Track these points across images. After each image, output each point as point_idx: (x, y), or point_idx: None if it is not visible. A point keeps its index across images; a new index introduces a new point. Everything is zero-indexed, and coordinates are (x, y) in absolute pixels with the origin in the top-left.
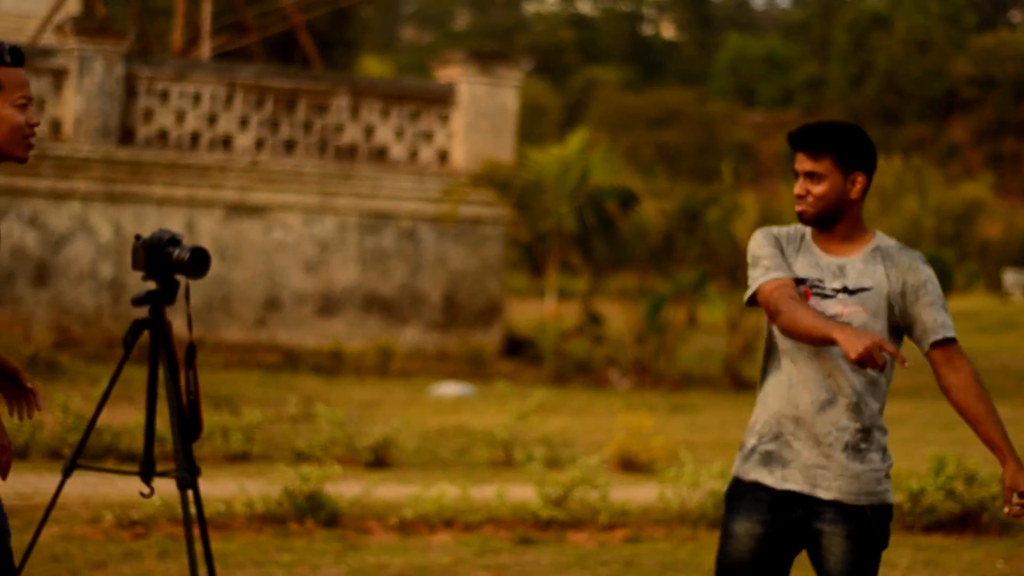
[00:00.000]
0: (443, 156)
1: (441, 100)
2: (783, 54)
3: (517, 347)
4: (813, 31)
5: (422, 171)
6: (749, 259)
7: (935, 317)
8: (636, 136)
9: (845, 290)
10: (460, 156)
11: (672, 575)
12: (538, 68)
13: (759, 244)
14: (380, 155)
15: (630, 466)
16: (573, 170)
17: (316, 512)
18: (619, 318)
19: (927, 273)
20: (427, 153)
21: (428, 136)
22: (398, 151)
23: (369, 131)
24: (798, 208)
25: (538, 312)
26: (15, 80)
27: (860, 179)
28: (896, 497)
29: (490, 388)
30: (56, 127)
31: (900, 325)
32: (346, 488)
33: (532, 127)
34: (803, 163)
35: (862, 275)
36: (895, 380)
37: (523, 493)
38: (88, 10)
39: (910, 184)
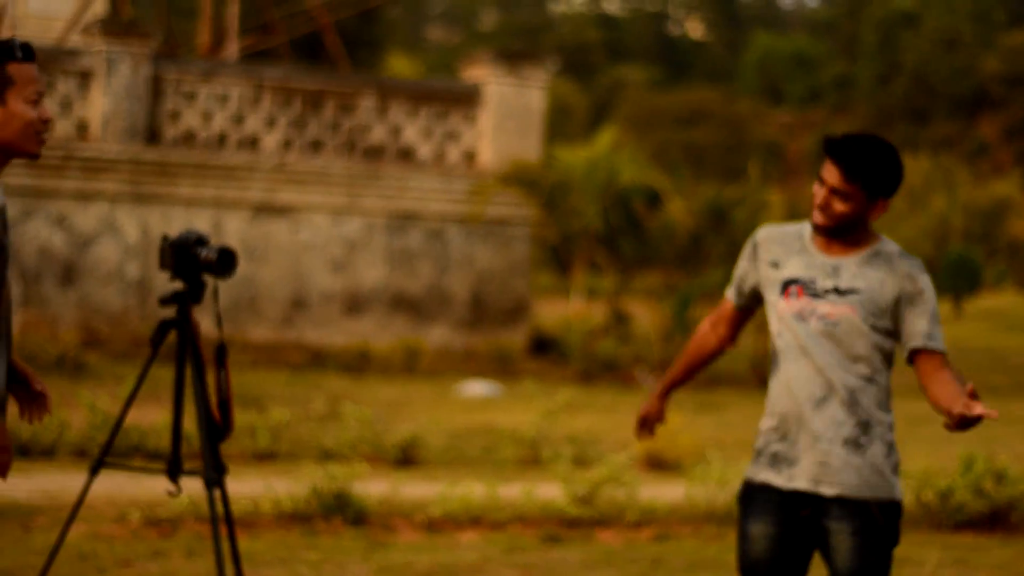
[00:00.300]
0: (470, 156)
1: (468, 100)
2: (811, 53)
3: (544, 346)
4: (841, 29)
5: (449, 171)
6: None
7: (923, 327)
8: (663, 135)
9: (836, 290)
10: (487, 156)
11: (699, 574)
12: (565, 68)
13: (742, 254)
14: (407, 155)
15: (657, 464)
16: (600, 170)
17: (343, 510)
18: (646, 317)
19: (924, 282)
20: (454, 153)
21: (455, 136)
22: (425, 151)
23: (396, 131)
24: (816, 218)
25: (565, 311)
26: (27, 76)
27: (883, 204)
28: (925, 495)
29: (517, 387)
30: (83, 128)
31: (893, 330)
32: (373, 487)
33: (559, 127)
34: (833, 178)
35: (855, 277)
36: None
37: (550, 491)
38: (115, 11)
39: (939, 182)
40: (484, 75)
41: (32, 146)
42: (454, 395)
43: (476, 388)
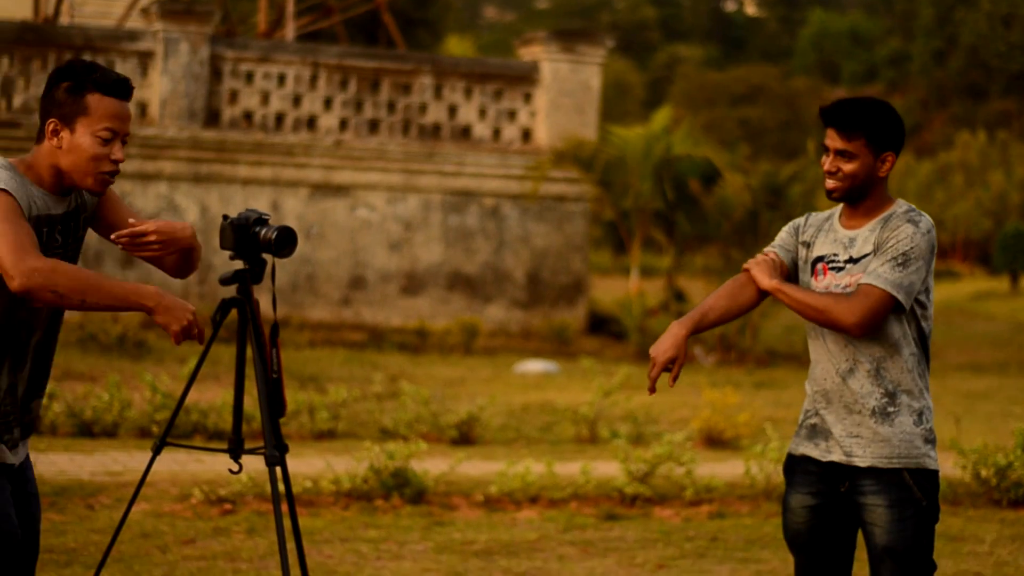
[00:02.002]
0: (526, 134)
1: (524, 79)
2: (867, 29)
3: (601, 324)
4: (897, 6)
5: (505, 149)
6: None
7: (876, 267)
8: (719, 113)
9: (851, 260)
10: (543, 134)
11: (757, 551)
12: (620, 46)
13: (783, 229)
14: (463, 134)
15: (715, 442)
16: (657, 147)
17: (402, 489)
18: (703, 294)
19: (902, 230)
20: (510, 131)
21: (511, 114)
22: (481, 130)
23: (452, 110)
24: (828, 184)
25: (622, 289)
26: (105, 110)
27: (890, 158)
28: (982, 472)
29: (574, 365)
30: (142, 109)
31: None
32: (432, 465)
33: (615, 105)
34: (835, 141)
35: (865, 242)
36: (981, 354)
37: (608, 469)
38: None
39: (995, 159)
40: (540, 54)
41: (91, 183)
42: (511, 374)
43: (533, 366)
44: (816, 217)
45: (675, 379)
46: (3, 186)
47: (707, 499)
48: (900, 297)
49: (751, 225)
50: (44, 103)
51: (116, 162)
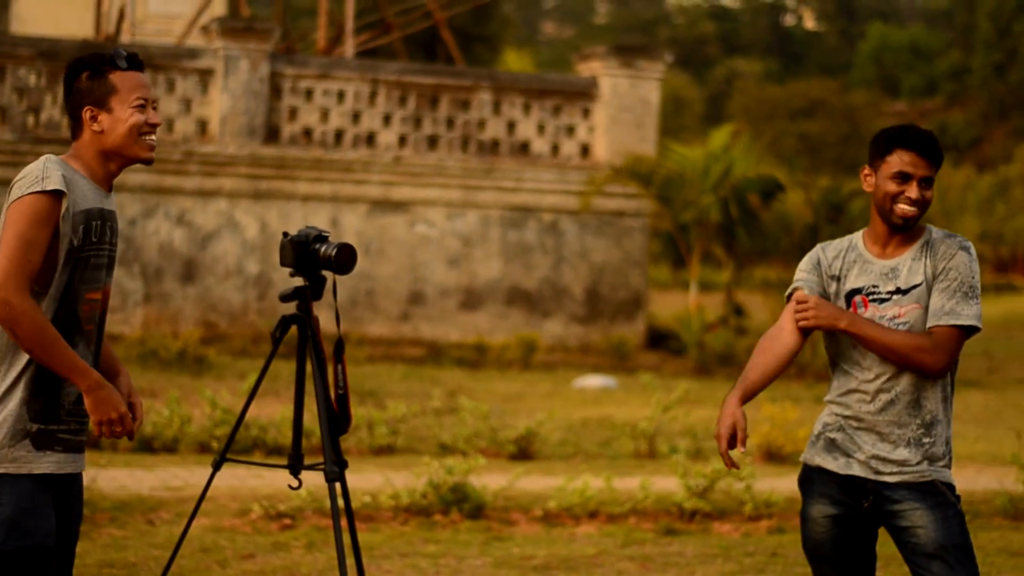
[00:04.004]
0: (585, 149)
1: (583, 94)
2: (926, 43)
3: (660, 339)
4: (957, 19)
5: (564, 165)
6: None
7: (943, 303)
8: (779, 127)
9: (899, 291)
10: (602, 149)
11: None
12: (679, 61)
13: (800, 267)
14: (522, 149)
15: (774, 457)
16: (717, 162)
17: (461, 504)
18: (762, 309)
19: (958, 259)
20: (569, 147)
21: (570, 130)
22: (540, 145)
23: (511, 126)
24: (910, 211)
25: (681, 304)
26: (130, 83)
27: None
28: None
29: (633, 380)
30: (202, 126)
31: None
32: (490, 480)
33: (674, 120)
34: (923, 169)
35: (912, 273)
36: None
37: (667, 485)
38: (233, 11)
39: None
40: (599, 69)
41: (139, 150)
42: (570, 389)
43: (592, 381)
44: (833, 248)
45: (743, 443)
46: (52, 187)
47: (767, 514)
48: (980, 326)
49: (811, 240)
50: (72, 100)
51: (153, 125)
